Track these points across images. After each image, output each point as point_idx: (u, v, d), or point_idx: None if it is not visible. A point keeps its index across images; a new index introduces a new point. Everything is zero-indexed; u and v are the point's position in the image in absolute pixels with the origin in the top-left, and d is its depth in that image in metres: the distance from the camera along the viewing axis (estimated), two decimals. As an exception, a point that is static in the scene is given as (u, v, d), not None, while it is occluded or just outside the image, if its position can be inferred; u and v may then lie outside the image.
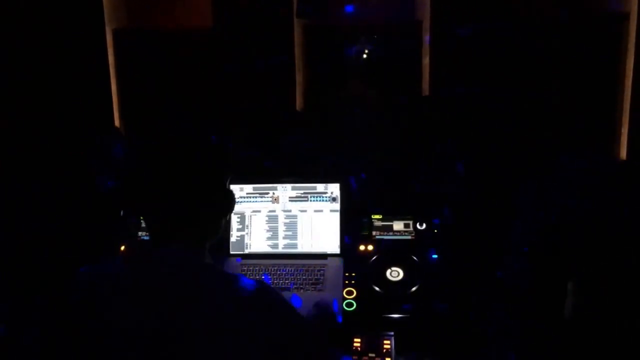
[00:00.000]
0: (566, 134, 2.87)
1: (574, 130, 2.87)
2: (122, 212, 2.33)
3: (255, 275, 2.15)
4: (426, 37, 2.98)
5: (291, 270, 2.17)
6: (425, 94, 3.01)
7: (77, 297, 1.22)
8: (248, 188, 2.23)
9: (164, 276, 1.19)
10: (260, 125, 2.89)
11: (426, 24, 2.98)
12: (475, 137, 2.74)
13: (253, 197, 2.23)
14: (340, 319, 1.98)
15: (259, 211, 2.23)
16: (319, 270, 2.16)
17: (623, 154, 2.85)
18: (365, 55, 3.05)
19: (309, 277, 2.15)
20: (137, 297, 1.17)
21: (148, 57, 3.16)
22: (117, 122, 3.17)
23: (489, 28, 2.84)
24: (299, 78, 3.09)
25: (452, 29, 2.84)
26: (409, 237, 2.22)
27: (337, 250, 2.21)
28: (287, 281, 2.13)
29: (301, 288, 2.11)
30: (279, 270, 2.16)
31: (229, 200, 1.33)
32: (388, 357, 1.80)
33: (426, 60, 3.00)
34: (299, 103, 3.08)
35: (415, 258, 2.12)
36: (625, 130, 2.85)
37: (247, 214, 2.23)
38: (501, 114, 2.84)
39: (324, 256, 2.21)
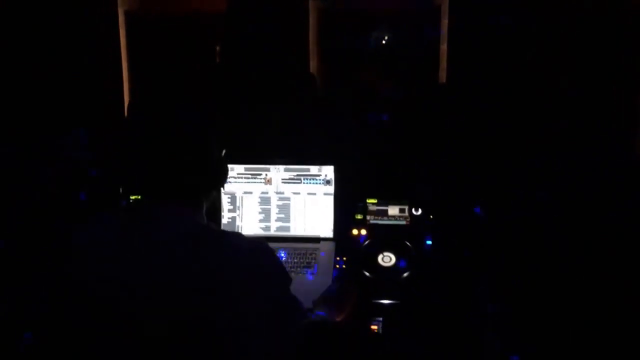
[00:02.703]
0: (583, 125, 2.79)
1: (592, 122, 2.78)
2: (121, 190, 2.30)
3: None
4: (444, 23, 2.92)
5: (283, 254, 2.13)
6: (442, 81, 2.96)
7: (76, 255, 1.29)
8: (239, 168, 2.18)
9: (160, 231, 1.24)
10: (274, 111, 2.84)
11: (445, 8, 2.91)
12: (486, 127, 2.68)
13: (245, 178, 2.19)
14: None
15: (251, 192, 2.19)
16: (311, 254, 2.12)
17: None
18: (382, 42, 2.99)
19: (301, 260, 2.11)
20: (134, 253, 1.22)
21: (160, 41, 3.14)
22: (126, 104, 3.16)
23: (509, 14, 2.77)
24: (312, 64, 3.04)
25: (471, 14, 2.77)
26: (404, 223, 2.17)
27: (330, 234, 2.17)
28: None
29: (292, 271, 2.07)
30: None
31: (221, 172, 1.41)
32: (375, 342, 1.76)
33: (444, 47, 2.93)
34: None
35: (408, 244, 2.07)
36: None
37: (238, 195, 2.19)
38: (516, 104, 2.76)
39: (316, 240, 2.17)
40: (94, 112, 2.91)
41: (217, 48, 2.95)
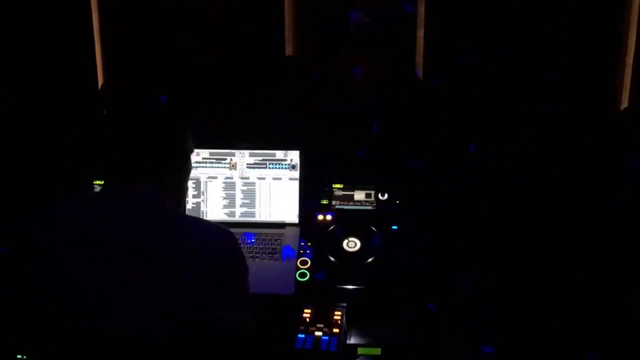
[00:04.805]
0: (566, 88, 2.78)
1: (575, 82, 2.78)
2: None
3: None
4: (421, 8, 2.89)
5: (248, 239, 2.11)
6: (419, 67, 2.94)
7: (39, 238, 1.26)
8: (204, 153, 2.15)
9: (129, 214, 1.24)
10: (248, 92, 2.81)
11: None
12: (456, 113, 2.67)
13: (210, 163, 2.16)
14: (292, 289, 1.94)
15: (215, 177, 2.16)
16: (275, 240, 2.11)
17: (625, 105, 2.79)
18: (360, 25, 2.95)
19: (266, 246, 2.09)
20: (97, 234, 1.22)
21: (133, 22, 3.07)
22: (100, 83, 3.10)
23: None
24: (288, 48, 3.00)
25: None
26: (370, 208, 2.16)
27: (295, 220, 2.15)
28: (243, 250, 2.07)
29: (257, 257, 2.06)
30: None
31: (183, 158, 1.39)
32: (337, 328, 1.75)
33: (421, 33, 2.90)
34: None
35: (373, 229, 2.06)
36: (627, 83, 2.78)
37: (202, 180, 2.16)
38: (490, 91, 2.75)
39: (282, 225, 2.15)
40: (66, 94, 2.85)
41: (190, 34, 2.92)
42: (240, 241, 2.08)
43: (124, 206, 1.26)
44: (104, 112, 1.36)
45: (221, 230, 1.32)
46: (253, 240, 2.10)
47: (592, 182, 2.14)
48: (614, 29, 2.76)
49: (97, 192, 1.40)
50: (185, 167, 1.41)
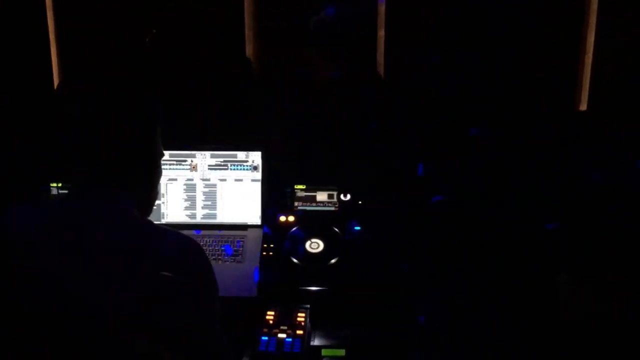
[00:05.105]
0: (528, 88, 2.82)
1: (536, 84, 2.82)
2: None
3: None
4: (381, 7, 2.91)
5: (209, 241, 2.08)
6: (379, 67, 2.95)
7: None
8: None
9: (94, 221, 1.19)
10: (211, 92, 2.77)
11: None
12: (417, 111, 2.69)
13: (170, 164, 2.12)
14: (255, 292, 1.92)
15: (176, 179, 2.13)
16: (238, 242, 2.09)
17: (584, 106, 2.85)
18: (320, 24, 2.94)
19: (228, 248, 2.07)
20: (66, 243, 1.16)
21: (90, 16, 3.01)
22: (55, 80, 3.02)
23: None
24: (249, 48, 2.98)
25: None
26: (333, 209, 2.16)
27: (257, 221, 2.14)
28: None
29: (219, 259, 2.03)
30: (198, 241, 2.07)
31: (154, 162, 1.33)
32: (301, 330, 1.74)
33: (381, 33, 2.92)
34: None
35: (336, 229, 2.06)
36: (586, 83, 2.84)
37: (162, 182, 2.12)
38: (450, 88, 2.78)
39: (244, 227, 2.13)
40: (21, 94, 2.78)
41: (149, 34, 2.87)
42: (201, 243, 2.06)
43: (90, 210, 1.21)
44: (65, 111, 1.27)
45: (191, 241, 1.27)
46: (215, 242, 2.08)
47: (550, 183, 2.19)
48: (574, 31, 2.83)
49: (62, 195, 1.35)
50: (156, 171, 1.36)
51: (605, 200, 2.05)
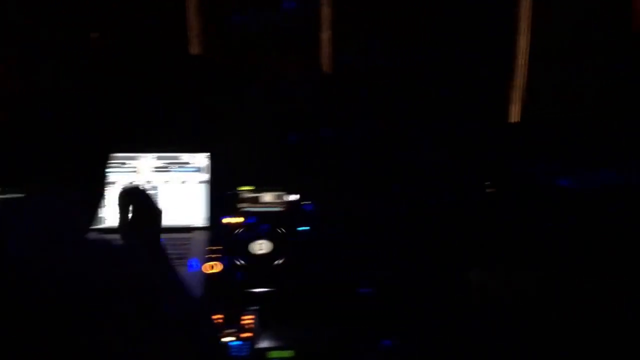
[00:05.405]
0: (458, 98, 2.87)
1: (467, 94, 2.87)
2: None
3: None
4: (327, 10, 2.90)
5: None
6: (325, 68, 2.95)
7: None
8: (105, 157, 2.06)
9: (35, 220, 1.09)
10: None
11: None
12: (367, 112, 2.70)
13: (111, 168, 2.07)
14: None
15: (116, 183, 2.08)
16: (182, 244, 2.05)
17: (516, 117, 2.90)
18: (265, 25, 2.92)
19: (172, 251, 2.03)
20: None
21: (29, 12, 2.90)
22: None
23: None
24: (193, 49, 2.93)
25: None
26: (279, 209, 2.15)
27: (203, 223, 2.11)
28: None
29: (164, 263, 1.99)
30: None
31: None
32: (249, 332, 1.73)
33: (326, 35, 2.91)
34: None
35: (282, 230, 2.05)
36: (518, 95, 2.89)
37: (104, 185, 2.07)
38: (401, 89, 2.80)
39: (189, 229, 2.10)
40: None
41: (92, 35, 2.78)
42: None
43: (34, 213, 1.12)
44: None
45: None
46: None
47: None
48: (507, 34, 2.90)
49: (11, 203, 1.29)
50: (104, 174, 1.31)
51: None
